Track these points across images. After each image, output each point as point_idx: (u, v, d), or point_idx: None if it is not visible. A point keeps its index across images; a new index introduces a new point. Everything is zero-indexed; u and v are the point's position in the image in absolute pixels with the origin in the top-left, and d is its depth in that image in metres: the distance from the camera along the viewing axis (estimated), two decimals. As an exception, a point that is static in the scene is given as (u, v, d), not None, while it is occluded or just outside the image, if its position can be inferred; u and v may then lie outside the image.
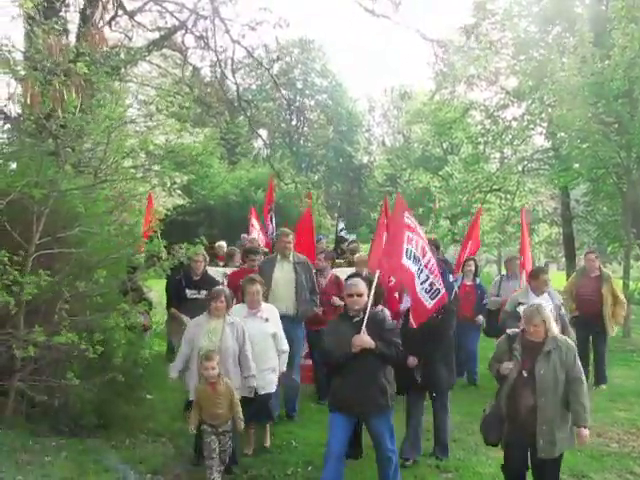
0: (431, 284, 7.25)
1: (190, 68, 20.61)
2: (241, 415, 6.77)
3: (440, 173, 34.42)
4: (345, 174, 53.45)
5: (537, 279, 8.89)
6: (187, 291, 9.79)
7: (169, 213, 14.38)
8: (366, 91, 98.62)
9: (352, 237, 23.49)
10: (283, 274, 9.13)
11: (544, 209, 30.54)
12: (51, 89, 6.31)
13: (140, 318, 8.95)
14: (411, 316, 7.44)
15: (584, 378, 5.92)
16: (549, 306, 7.85)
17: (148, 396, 8.63)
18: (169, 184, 14.61)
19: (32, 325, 6.71)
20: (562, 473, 7.01)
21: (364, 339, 6.19)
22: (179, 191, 16.14)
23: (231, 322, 7.22)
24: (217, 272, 10.72)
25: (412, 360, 7.46)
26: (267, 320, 7.60)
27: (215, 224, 27.50)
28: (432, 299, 7.22)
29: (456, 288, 10.40)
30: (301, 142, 53.77)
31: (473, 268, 11.53)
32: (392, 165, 48.26)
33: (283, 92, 38.13)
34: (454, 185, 28.92)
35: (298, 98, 52.91)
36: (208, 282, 9.58)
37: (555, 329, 6.06)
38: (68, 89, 6.32)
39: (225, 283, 9.63)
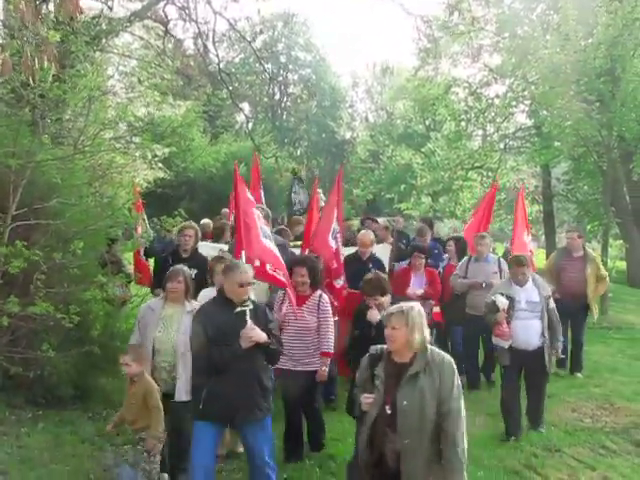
0: None
1: (172, 40, 20.39)
2: (158, 421, 5.88)
3: (422, 150, 34.41)
4: (328, 149, 53.19)
5: (510, 269, 7.92)
6: None
7: (150, 186, 14.32)
8: (350, 67, 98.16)
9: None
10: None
11: (525, 187, 30.66)
12: (23, 57, 6.15)
13: (118, 291, 8.91)
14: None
15: (462, 409, 4.55)
16: (534, 297, 7.49)
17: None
18: (150, 157, 14.48)
19: (8, 296, 6.65)
20: (536, 447, 7.17)
21: (257, 333, 5.36)
22: (160, 164, 15.96)
23: (191, 310, 6.27)
24: (214, 248, 9.36)
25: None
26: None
27: (196, 198, 27.35)
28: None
29: (441, 269, 10.42)
30: (284, 117, 53.46)
31: (454, 248, 10.56)
32: (375, 141, 48.14)
33: (266, 66, 37.91)
34: (436, 162, 28.94)
35: (281, 72, 52.51)
36: (198, 261, 8.38)
37: (425, 340, 4.62)
38: (40, 58, 6.18)
39: None
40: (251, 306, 5.50)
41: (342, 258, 8.59)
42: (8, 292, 6.77)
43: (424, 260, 9.73)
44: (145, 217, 10.90)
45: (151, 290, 9.45)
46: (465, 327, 9.84)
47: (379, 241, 10.64)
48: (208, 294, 6.59)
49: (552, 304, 7.68)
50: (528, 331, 7.41)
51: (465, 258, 10.00)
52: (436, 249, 11.18)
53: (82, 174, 8.68)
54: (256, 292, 6.45)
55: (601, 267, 10.66)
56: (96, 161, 9.86)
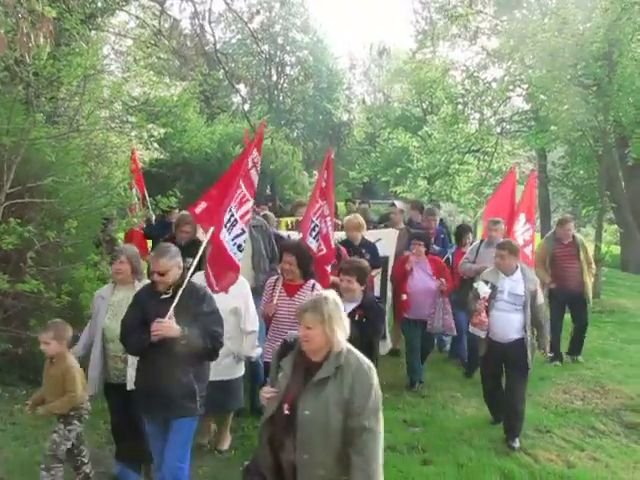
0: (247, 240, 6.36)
1: (168, 20, 20.26)
2: (64, 405, 5.51)
3: (419, 133, 34.33)
4: (324, 132, 53.10)
5: (496, 256, 7.25)
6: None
7: (146, 166, 14.29)
8: (348, 49, 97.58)
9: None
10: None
11: (521, 171, 30.66)
12: (19, 34, 6.11)
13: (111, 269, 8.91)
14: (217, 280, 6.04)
15: (378, 427, 3.82)
16: (518, 290, 6.98)
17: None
18: (146, 137, 14.45)
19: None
20: (526, 428, 7.23)
21: (166, 325, 4.84)
22: (156, 144, 15.93)
23: None
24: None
25: None
26: (227, 292, 6.15)
27: (193, 179, 27.28)
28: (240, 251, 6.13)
29: (449, 254, 10.08)
30: (280, 98, 53.29)
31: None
32: (371, 124, 48.10)
33: (263, 47, 37.74)
34: (432, 145, 28.90)
35: (278, 54, 52.27)
36: (196, 249, 8.08)
37: (341, 340, 3.90)
38: (36, 34, 6.14)
39: None
40: (170, 294, 5.05)
41: (332, 243, 7.83)
42: (1, 270, 6.79)
43: (424, 248, 8.86)
44: (147, 195, 10.85)
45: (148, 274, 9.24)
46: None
47: (391, 225, 10.52)
48: (198, 278, 6.07)
49: (540, 300, 7.12)
50: (506, 324, 6.93)
51: (476, 242, 9.64)
52: (442, 234, 10.88)
53: (77, 153, 8.67)
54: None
55: (589, 252, 10.57)
56: (91, 140, 9.85)
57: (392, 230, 10.15)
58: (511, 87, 23.45)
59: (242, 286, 6.59)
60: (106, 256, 7.86)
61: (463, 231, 10.56)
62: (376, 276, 9.03)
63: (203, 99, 31.95)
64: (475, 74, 25.10)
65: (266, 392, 4.03)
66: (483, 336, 7.11)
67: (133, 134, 12.55)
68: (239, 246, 6.09)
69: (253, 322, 6.62)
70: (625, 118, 16.72)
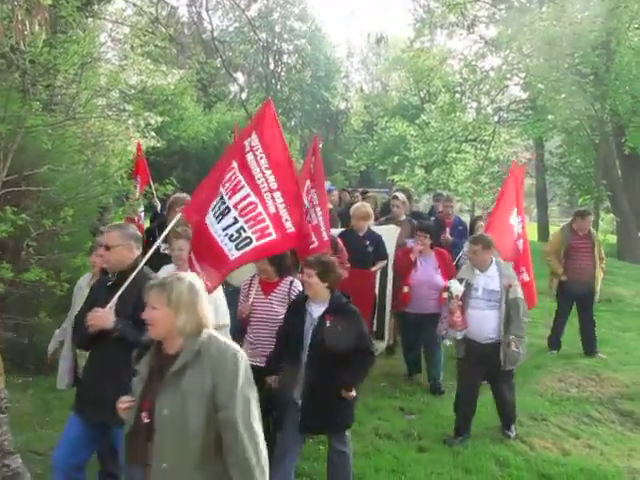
0: (240, 230, 5.35)
1: (166, 7, 20.21)
2: None
3: (417, 122, 34.29)
4: (322, 120, 53.02)
5: (470, 251, 6.98)
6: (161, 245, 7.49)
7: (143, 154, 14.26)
8: (346, 37, 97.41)
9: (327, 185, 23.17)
10: None
11: (518, 160, 30.66)
12: (14, 21, 6.08)
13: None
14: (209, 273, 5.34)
15: (248, 419, 3.21)
16: (493, 285, 6.64)
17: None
18: (143, 125, 14.42)
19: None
20: (521, 416, 7.28)
21: (100, 316, 4.31)
22: (153, 133, 15.91)
23: None
24: None
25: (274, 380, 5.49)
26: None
27: (190, 167, 27.27)
28: (239, 249, 5.30)
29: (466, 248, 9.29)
30: (278, 87, 53.16)
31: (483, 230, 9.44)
32: (369, 112, 47.96)
33: (261, 35, 37.64)
34: (430, 134, 28.88)
35: (276, 42, 52.13)
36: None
37: (190, 327, 3.34)
38: (32, 22, 6.12)
39: None
40: (113, 280, 4.60)
41: (325, 235, 7.02)
42: (0, 259, 6.79)
43: (429, 240, 8.38)
44: (152, 184, 10.70)
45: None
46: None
47: (390, 219, 10.01)
48: (166, 270, 5.88)
49: (516, 294, 6.67)
50: (482, 322, 6.58)
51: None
52: (460, 225, 10.61)
53: (73, 141, 8.66)
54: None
55: (602, 247, 10.32)
56: (88, 128, 9.83)
57: (393, 227, 9.56)
58: (509, 76, 23.46)
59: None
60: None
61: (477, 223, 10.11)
62: (378, 272, 8.74)
63: (200, 87, 31.92)
64: (473, 63, 25.11)
65: (122, 402, 3.42)
66: (459, 337, 6.76)
67: (130, 122, 12.53)
68: (231, 236, 5.36)
69: (224, 315, 5.89)
70: (622, 107, 16.73)
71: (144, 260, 4.72)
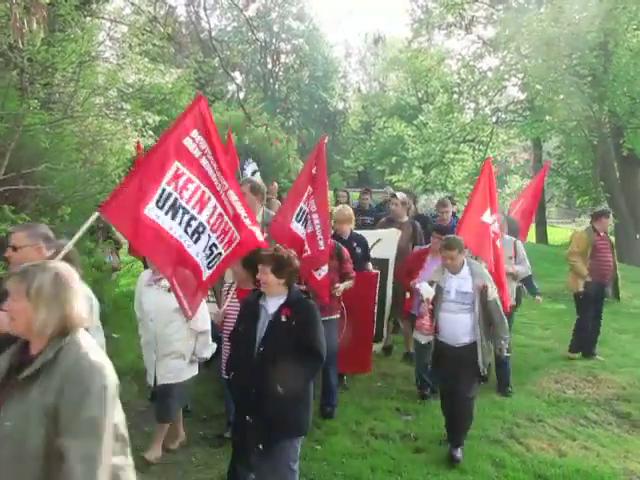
0: (212, 247, 5.15)
1: (164, 6, 20.19)
2: None
3: (414, 122, 34.31)
4: (320, 120, 53.07)
5: (446, 257, 6.47)
6: None
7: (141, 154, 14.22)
8: (344, 37, 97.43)
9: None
10: None
11: (516, 161, 30.75)
12: (12, 19, 6.07)
13: (107, 258, 8.90)
14: (187, 302, 5.13)
15: (92, 453, 2.65)
16: (466, 287, 6.32)
17: (114, 335, 8.63)
18: (141, 124, 14.40)
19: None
20: (518, 417, 7.30)
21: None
22: (151, 132, 15.88)
23: None
24: None
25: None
26: (170, 290, 5.30)
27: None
28: (210, 268, 5.16)
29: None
30: (276, 86, 53.17)
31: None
32: (367, 112, 48.04)
33: (259, 35, 37.62)
34: (428, 134, 28.88)
35: (274, 42, 52.15)
36: None
37: (51, 325, 2.84)
38: (30, 20, 6.11)
39: None
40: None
41: (321, 244, 6.74)
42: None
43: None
44: None
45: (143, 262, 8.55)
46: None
47: (391, 220, 9.67)
48: (144, 275, 6.13)
49: (492, 295, 6.34)
50: (455, 325, 6.32)
51: None
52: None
53: (71, 139, 8.65)
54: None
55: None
56: (86, 127, 9.81)
57: (394, 230, 9.22)
58: (506, 76, 23.45)
59: None
60: (101, 243, 7.87)
61: None
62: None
63: (198, 86, 31.86)
64: (471, 63, 25.12)
65: None
66: (423, 342, 6.69)
67: (128, 121, 12.49)
68: (192, 235, 5.02)
69: (204, 321, 5.95)
70: (620, 108, 16.75)
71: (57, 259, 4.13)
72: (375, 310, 8.26)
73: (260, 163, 15.56)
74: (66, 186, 7.87)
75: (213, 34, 20.27)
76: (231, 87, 43.73)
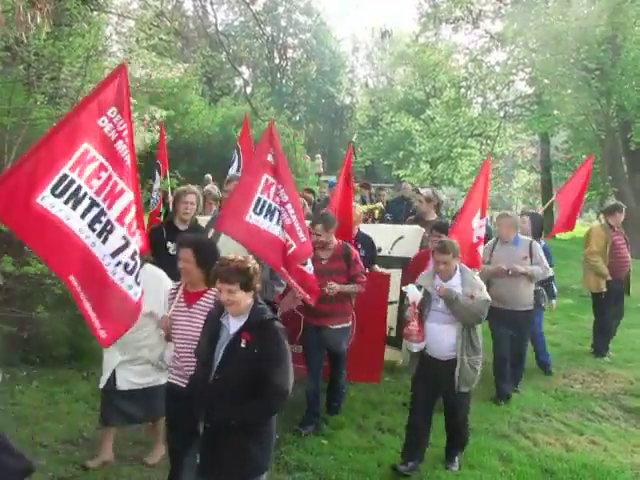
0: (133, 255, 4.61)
1: (171, 1, 20.19)
2: None
3: (422, 117, 34.26)
4: (327, 115, 53.05)
5: (440, 262, 5.88)
6: (169, 244, 6.86)
7: (147, 149, 14.26)
8: (351, 32, 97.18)
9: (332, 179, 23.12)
10: (229, 239, 5.94)
11: (524, 155, 30.68)
12: (16, 13, 6.06)
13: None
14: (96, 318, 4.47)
15: None
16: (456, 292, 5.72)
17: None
18: (148, 118, 14.42)
19: (2, 256, 6.69)
20: (525, 412, 7.29)
21: None
22: (158, 127, 15.91)
23: None
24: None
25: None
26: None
27: (195, 161, 27.25)
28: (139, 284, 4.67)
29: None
30: (283, 81, 53.15)
31: (528, 226, 8.68)
32: (374, 107, 47.95)
33: (266, 29, 37.59)
34: (435, 129, 28.85)
35: (281, 36, 52.11)
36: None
37: None
38: (34, 14, 6.10)
39: None
40: None
41: (302, 235, 6.10)
42: (3, 252, 6.81)
43: None
44: (168, 174, 10.32)
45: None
46: (489, 322, 7.53)
47: (418, 219, 9.09)
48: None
49: (483, 296, 5.82)
50: (441, 336, 5.76)
51: (491, 240, 8.12)
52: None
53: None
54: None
55: None
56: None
57: (417, 228, 8.66)
58: (514, 71, 23.40)
59: (158, 283, 5.43)
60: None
61: None
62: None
63: (205, 81, 31.93)
64: (478, 57, 25.04)
65: None
66: (415, 350, 5.89)
67: (135, 115, 12.51)
68: (100, 233, 4.42)
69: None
70: (628, 102, 16.69)
71: None
72: (386, 314, 7.63)
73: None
74: (73, 180, 7.87)
75: (220, 29, 20.27)
76: (238, 82, 43.77)
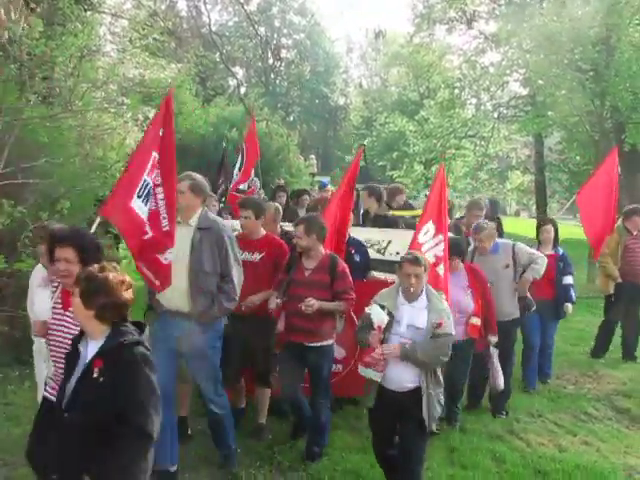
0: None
1: (165, 0, 20.16)
2: None
3: (416, 117, 34.29)
4: (321, 115, 53.03)
5: (410, 275, 5.06)
6: None
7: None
8: (345, 32, 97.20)
9: (324, 180, 23.13)
10: (177, 244, 5.33)
11: (517, 156, 30.72)
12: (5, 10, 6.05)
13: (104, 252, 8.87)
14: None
15: None
16: (419, 322, 5.00)
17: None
18: (141, 118, 14.39)
19: (-6, 254, 6.66)
20: (518, 413, 7.29)
21: None
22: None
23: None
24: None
25: None
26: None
27: (188, 161, 27.18)
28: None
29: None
30: (277, 82, 53.12)
31: (552, 234, 8.51)
32: (368, 108, 48.00)
33: (260, 29, 37.56)
34: (429, 130, 28.85)
35: (275, 36, 52.07)
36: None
37: None
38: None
39: None
40: None
41: (165, 224, 5.28)
42: (-5, 250, 6.78)
43: (458, 257, 6.80)
44: None
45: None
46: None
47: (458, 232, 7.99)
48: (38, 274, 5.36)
49: (449, 329, 5.02)
50: (401, 365, 4.97)
51: (470, 249, 7.60)
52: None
53: (70, 134, 8.64)
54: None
55: None
56: (85, 121, 9.79)
57: (403, 231, 7.94)
58: (508, 72, 23.38)
59: None
60: (100, 238, 7.82)
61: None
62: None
63: (199, 81, 31.89)
64: (472, 58, 25.04)
65: None
66: (378, 379, 5.07)
67: (128, 115, 12.48)
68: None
69: None
70: (622, 103, 16.69)
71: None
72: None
73: (261, 158, 15.54)
74: (65, 180, 7.87)
75: (214, 29, 20.25)
76: (232, 82, 43.68)
